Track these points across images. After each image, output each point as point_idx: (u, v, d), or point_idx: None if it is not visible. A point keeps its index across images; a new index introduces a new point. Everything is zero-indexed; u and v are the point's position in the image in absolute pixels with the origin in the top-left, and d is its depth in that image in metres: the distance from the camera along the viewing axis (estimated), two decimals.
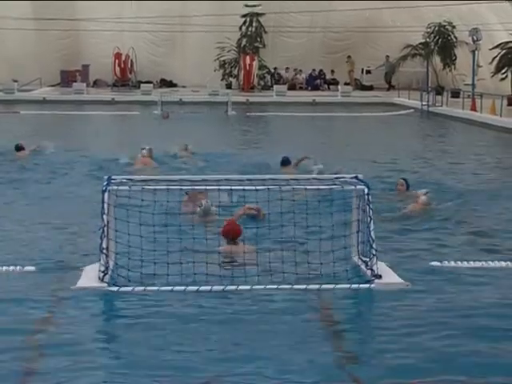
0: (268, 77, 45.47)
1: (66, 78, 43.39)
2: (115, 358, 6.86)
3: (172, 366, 6.62)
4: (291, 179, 9.40)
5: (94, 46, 44.13)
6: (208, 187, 9.38)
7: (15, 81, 39.77)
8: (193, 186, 9.67)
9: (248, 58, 42.75)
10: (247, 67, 42.74)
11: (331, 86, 44.87)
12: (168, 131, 22.92)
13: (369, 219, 8.83)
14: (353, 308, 8.39)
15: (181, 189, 9.43)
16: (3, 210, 12.92)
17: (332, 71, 45.80)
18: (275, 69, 45.44)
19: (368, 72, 45.50)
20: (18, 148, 18.65)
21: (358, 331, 7.68)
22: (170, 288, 8.40)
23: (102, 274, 8.59)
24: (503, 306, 8.15)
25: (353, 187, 9.16)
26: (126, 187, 8.94)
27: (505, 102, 31.45)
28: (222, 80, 43.67)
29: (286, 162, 16.36)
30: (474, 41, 34.98)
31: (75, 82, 41.52)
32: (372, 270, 8.78)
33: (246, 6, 43.00)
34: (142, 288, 8.42)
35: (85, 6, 42.93)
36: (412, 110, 35.17)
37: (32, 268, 9.28)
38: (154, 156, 17.53)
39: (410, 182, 14.26)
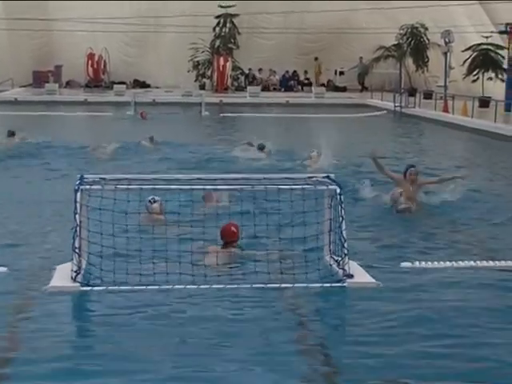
0: (242, 78, 45.50)
1: (39, 79, 43.09)
2: (87, 358, 6.84)
3: (145, 366, 6.62)
4: (264, 178, 9.42)
5: (66, 46, 43.87)
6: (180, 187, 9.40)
7: None
8: (167, 186, 9.64)
9: (222, 59, 42.76)
10: (221, 68, 42.74)
11: (305, 87, 44.99)
12: (142, 131, 22.95)
13: (341, 219, 8.87)
14: (324, 307, 8.42)
15: (154, 188, 9.41)
16: None
17: (305, 72, 45.93)
18: (250, 70, 45.48)
19: (341, 73, 45.63)
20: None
21: (328, 330, 7.72)
22: (143, 287, 8.40)
23: (75, 274, 8.57)
24: (472, 306, 8.23)
25: (325, 187, 9.20)
26: (99, 186, 8.92)
27: (476, 103, 31.76)
28: (195, 81, 43.67)
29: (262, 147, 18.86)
30: (446, 43, 35.26)
31: (47, 82, 41.28)
32: (344, 269, 8.83)
33: (221, 6, 43.00)
34: (115, 287, 8.41)
35: (57, 6, 42.68)
36: (385, 112, 35.34)
37: (4, 269, 9.22)
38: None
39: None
